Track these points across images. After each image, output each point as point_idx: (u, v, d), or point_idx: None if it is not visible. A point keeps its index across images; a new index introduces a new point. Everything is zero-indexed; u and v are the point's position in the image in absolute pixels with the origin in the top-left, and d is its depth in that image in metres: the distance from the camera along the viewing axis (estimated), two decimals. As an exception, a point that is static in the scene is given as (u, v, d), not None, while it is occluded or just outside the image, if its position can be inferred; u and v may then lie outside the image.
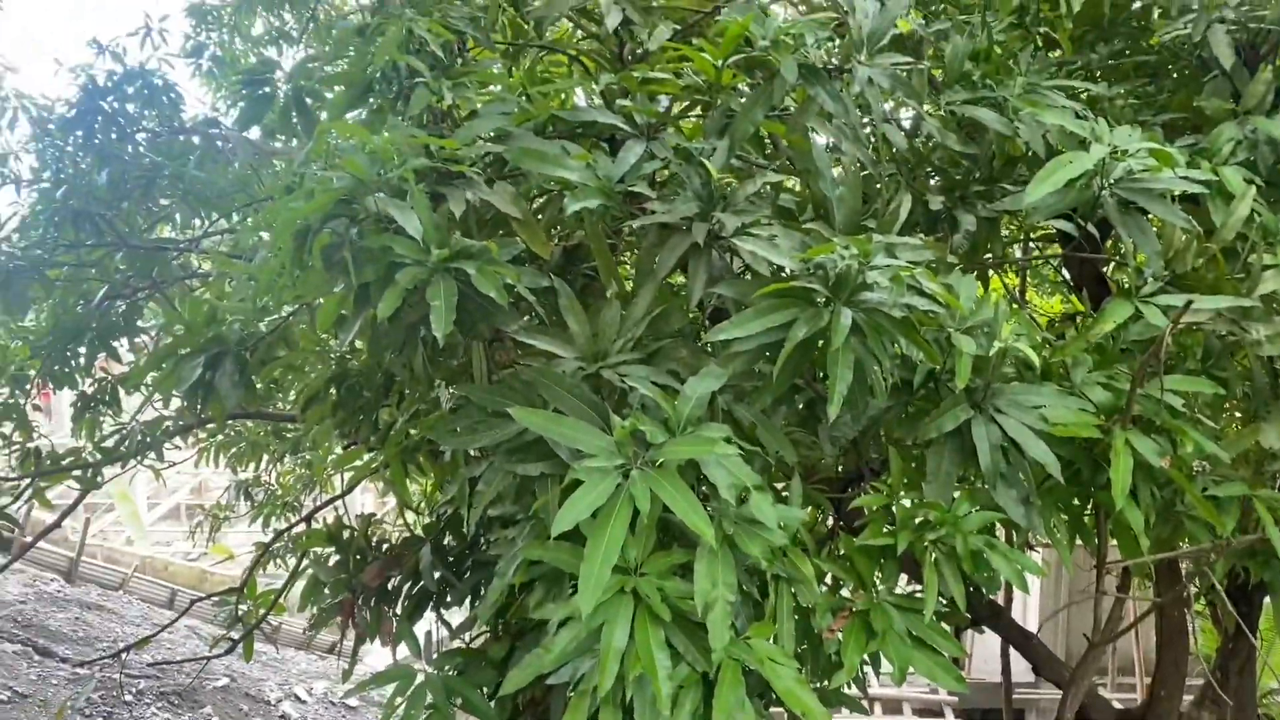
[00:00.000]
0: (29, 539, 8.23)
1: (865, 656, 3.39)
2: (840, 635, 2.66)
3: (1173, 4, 3.67)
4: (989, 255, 4.31)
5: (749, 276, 2.86)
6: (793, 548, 2.47)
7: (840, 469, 3.65)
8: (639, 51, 3.57)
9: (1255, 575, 4.44)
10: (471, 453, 3.18)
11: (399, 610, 4.01)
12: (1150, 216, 3.04)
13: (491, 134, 3.09)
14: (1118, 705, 5.88)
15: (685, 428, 2.39)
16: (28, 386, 6.11)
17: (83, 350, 5.77)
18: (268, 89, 4.93)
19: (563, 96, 3.60)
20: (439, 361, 3.32)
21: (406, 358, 3.02)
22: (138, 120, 6.61)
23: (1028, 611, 10.24)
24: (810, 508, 3.53)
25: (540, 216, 3.26)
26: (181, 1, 8.83)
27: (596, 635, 2.38)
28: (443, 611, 4.06)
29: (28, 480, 6.01)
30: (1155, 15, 3.99)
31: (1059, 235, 4.03)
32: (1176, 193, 3.03)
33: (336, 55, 3.89)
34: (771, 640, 2.54)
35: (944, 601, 4.00)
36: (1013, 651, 5.30)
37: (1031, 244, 5.01)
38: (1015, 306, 4.22)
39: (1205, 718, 5.25)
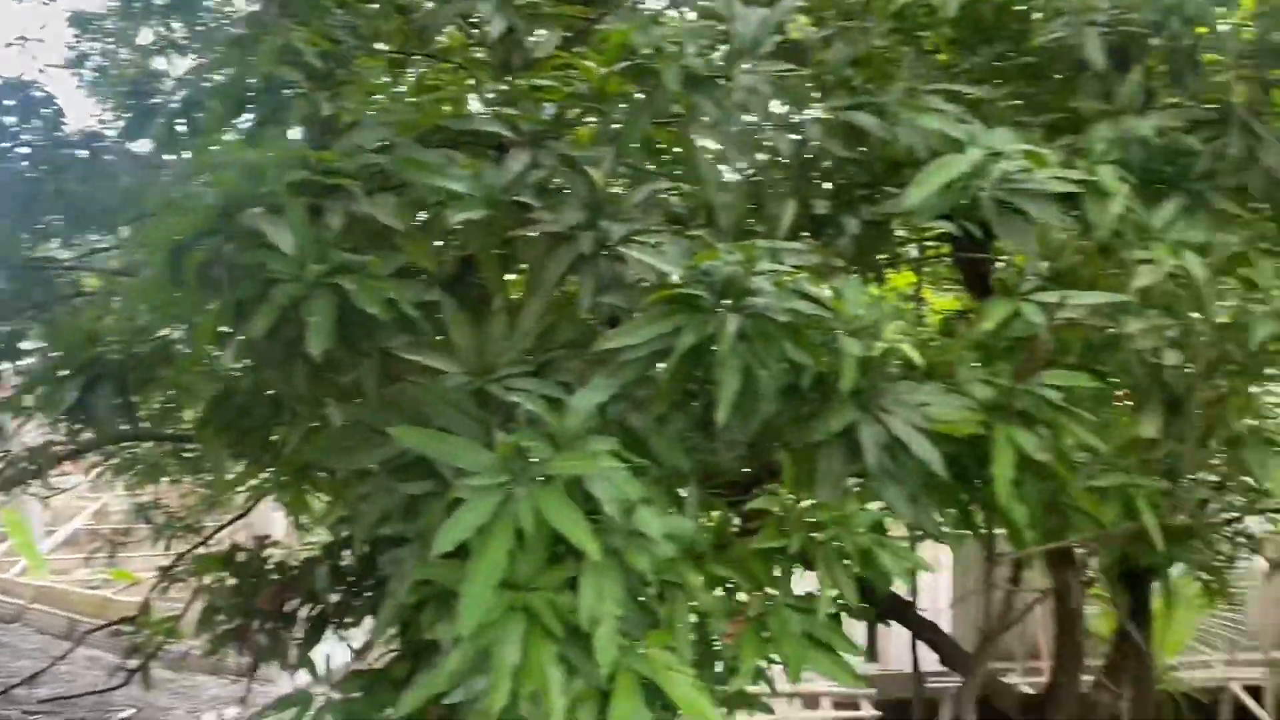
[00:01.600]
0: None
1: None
2: (737, 639, 2.66)
3: (1048, 7, 3.77)
4: (882, 257, 4.39)
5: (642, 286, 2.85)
6: (681, 559, 2.47)
7: (744, 473, 3.66)
8: (526, 59, 3.54)
9: (1141, 561, 4.61)
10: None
11: (300, 634, 3.91)
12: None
13: (375, 145, 3.03)
14: (1030, 691, 6.05)
15: (572, 441, 2.37)
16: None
17: (-38, 375, 5.52)
18: (154, 100, 4.77)
19: (452, 105, 3.55)
20: (327, 379, 3.24)
21: (288, 376, 2.93)
22: (16, 134, 6.35)
23: (941, 602, 10.41)
24: (716, 512, 3.55)
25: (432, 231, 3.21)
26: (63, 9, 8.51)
27: (491, 652, 2.34)
28: (348, 633, 3.98)
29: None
30: (1035, 18, 4.09)
31: (952, 236, 4.11)
32: (1054, 192, 3.10)
33: (218, 66, 3.78)
34: (669, 649, 2.53)
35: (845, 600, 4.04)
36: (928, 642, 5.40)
37: (927, 244, 5.11)
38: (903, 307, 4.29)
39: (1104, 699, 5.40)
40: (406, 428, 2.39)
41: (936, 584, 10.19)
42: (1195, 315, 3.11)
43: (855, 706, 10.85)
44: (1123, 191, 3.19)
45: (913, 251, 5.16)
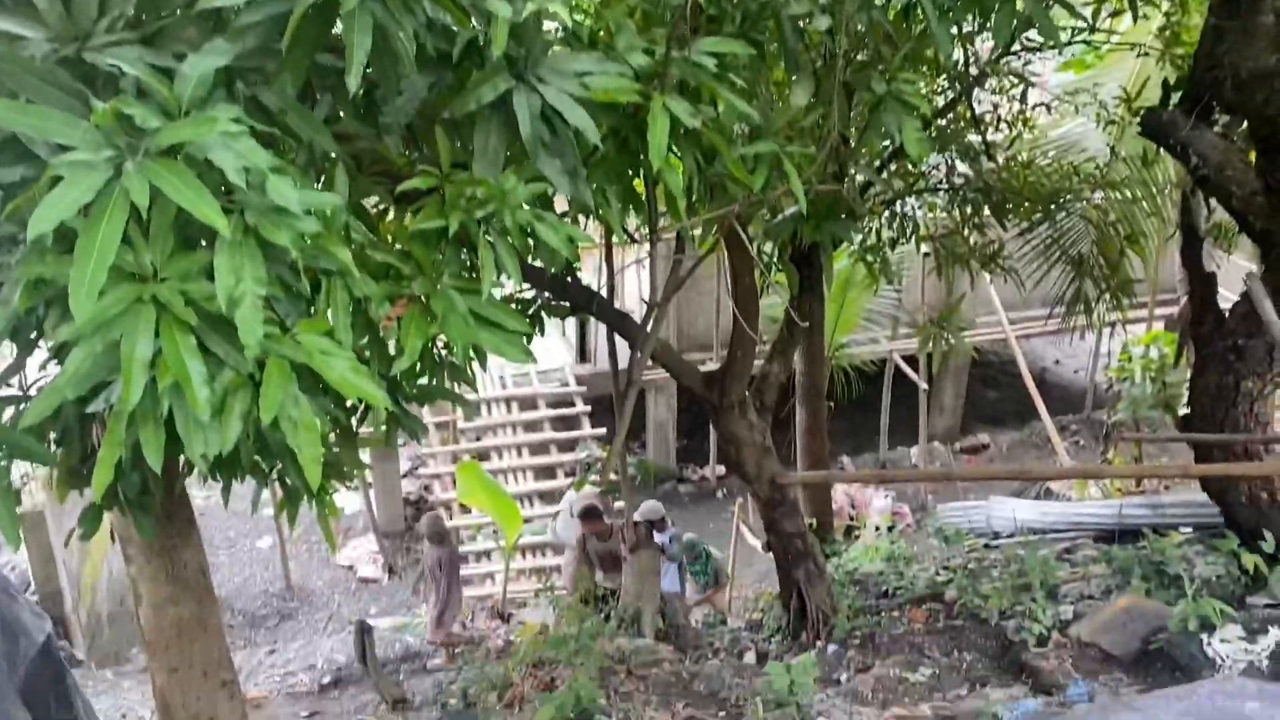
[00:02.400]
0: None
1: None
2: (399, 323, 2.62)
3: None
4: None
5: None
6: (329, 235, 2.34)
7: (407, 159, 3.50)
8: None
9: (808, 238, 4.94)
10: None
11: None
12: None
13: None
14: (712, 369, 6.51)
15: (188, 112, 2.12)
16: None
17: None
18: None
19: None
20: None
21: None
22: None
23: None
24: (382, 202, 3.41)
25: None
26: None
27: (119, 347, 2.17)
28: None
29: None
30: None
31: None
32: None
33: None
34: (326, 335, 2.45)
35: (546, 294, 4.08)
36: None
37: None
38: None
39: (776, 370, 5.94)
40: (-19, 102, 2.05)
41: (640, 280, 10.63)
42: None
43: (570, 404, 11.47)
44: None
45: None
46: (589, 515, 7.19)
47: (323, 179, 2.73)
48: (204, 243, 2.33)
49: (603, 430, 11.22)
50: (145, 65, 2.18)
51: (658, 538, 7.24)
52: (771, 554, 6.43)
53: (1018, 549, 6.29)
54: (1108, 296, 6.91)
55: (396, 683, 6.63)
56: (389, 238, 2.89)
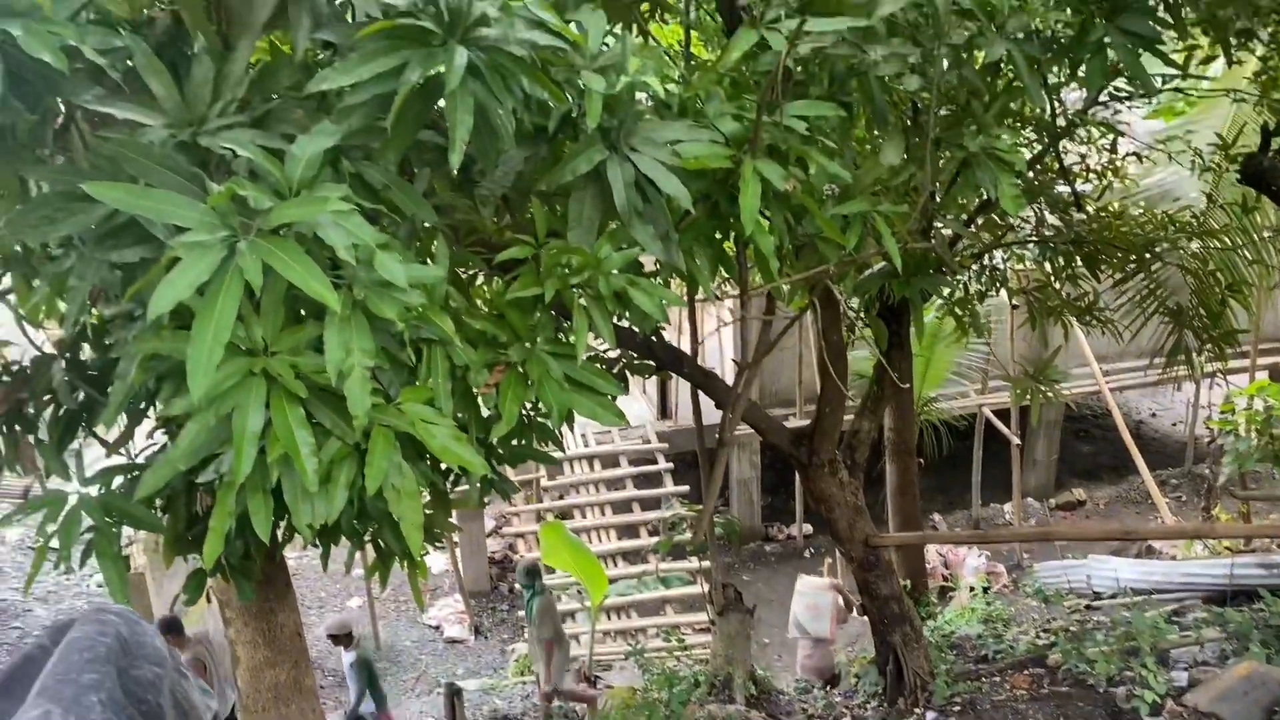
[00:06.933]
0: None
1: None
2: (497, 389, 2.65)
3: None
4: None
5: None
6: (432, 307, 2.38)
7: (503, 229, 3.56)
8: None
9: (898, 293, 4.88)
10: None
11: (45, 436, 3.65)
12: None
13: None
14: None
15: (298, 191, 2.19)
16: None
17: None
18: None
19: None
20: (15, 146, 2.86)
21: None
22: None
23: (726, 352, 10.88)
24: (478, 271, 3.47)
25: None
26: None
27: (231, 420, 2.23)
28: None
29: None
30: None
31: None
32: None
33: None
34: (428, 403, 2.48)
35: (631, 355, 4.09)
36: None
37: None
38: (649, 44, 4.17)
39: (867, 426, 5.86)
40: (106, 184, 2.14)
41: (722, 343, 10.64)
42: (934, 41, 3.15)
43: (651, 461, 11.44)
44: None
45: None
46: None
47: (423, 250, 2.80)
48: (309, 316, 2.40)
49: (685, 488, 11.16)
50: (257, 147, 2.26)
51: (344, 656, 7.23)
52: (865, 617, 6.28)
53: (1122, 610, 6.05)
54: (1209, 347, 6.67)
55: (486, 746, 6.60)
56: (483, 305, 2.94)
